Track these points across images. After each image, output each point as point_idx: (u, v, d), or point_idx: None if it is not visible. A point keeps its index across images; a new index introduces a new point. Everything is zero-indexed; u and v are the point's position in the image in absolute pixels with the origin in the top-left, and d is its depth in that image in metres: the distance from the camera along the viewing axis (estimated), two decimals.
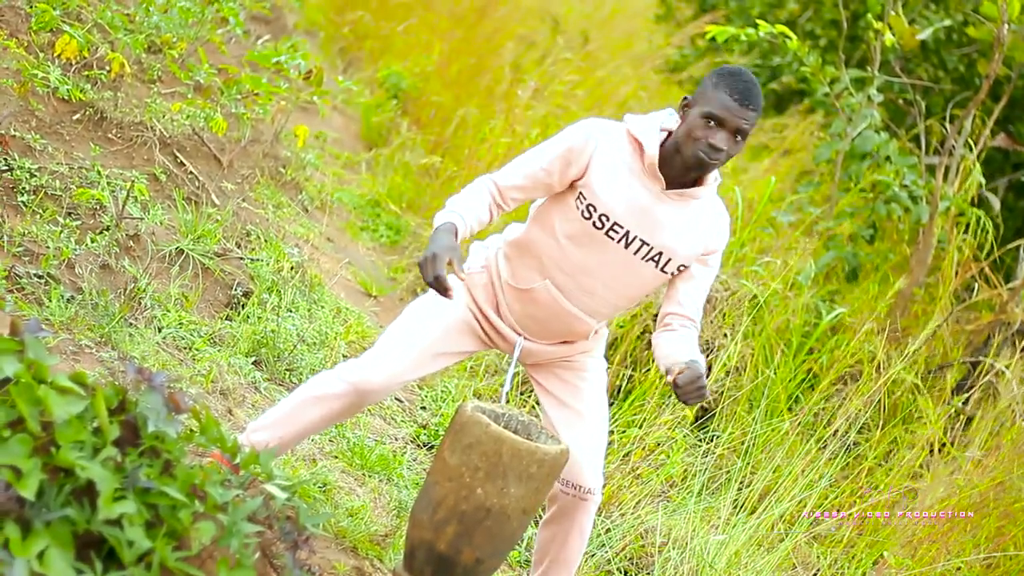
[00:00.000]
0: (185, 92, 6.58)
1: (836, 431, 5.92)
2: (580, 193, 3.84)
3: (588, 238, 3.86)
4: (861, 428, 5.99)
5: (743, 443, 5.81)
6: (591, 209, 3.83)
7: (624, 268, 3.89)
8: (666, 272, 3.92)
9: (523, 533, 3.82)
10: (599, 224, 3.84)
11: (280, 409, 3.94)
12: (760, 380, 6.19)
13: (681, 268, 3.95)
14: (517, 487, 3.55)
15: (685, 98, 3.80)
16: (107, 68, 6.00)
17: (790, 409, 6.14)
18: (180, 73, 6.51)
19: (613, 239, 3.85)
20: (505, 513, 3.56)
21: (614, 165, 3.82)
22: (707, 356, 6.25)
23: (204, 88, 6.73)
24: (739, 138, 3.73)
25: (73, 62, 5.88)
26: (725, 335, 6.33)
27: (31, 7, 5.94)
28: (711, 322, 6.38)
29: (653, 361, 5.93)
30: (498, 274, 4.03)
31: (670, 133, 3.85)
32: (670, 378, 3.72)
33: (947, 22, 8.89)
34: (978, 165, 7.29)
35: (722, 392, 6.14)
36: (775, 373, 6.19)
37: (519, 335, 4.01)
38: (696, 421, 6.05)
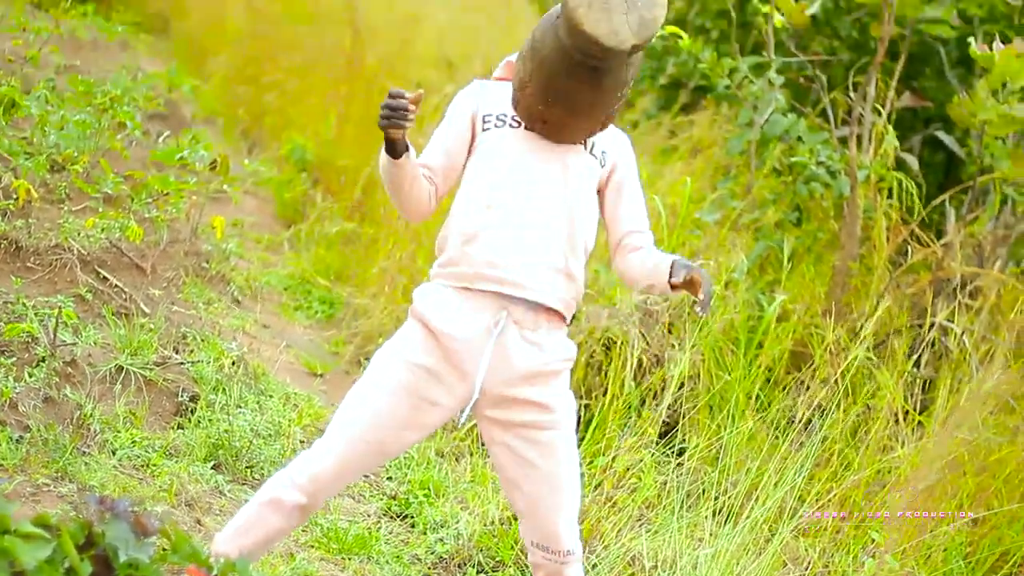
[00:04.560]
0: (96, 205, 6.54)
1: (800, 420, 5.93)
2: None
3: None
4: (824, 413, 6.00)
5: (711, 451, 5.81)
6: None
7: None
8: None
9: None
10: None
11: (240, 519, 3.75)
12: (716, 385, 6.20)
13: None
14: None
15: None
16: (14, 196, 5.96)
17: (756, 409, 6.14)
18: (87, 187, 6.48)
19: None
20: None
21: None
22: (657, 369, 6.25)
23: (114, 198, 6.70)
24: None
25: None
26: (672, 345, 6.33)
27: None
28: (656, 336, 6.37)
29: (615, 348, 5.93)
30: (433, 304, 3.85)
31: None
32: (676, 279, 3.75)
33: None
34: (889, 128, 7.31)
35: (681, 403, 6.14)
36: (729, 375, 6.20)
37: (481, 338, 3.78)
38: (661, 437, 6.04)
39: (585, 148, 3.94)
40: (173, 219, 6.91)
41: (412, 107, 3.62)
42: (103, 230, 6.20)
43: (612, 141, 4.05)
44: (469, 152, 3.98)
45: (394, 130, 3.63)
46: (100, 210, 6.44)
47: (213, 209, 7.66)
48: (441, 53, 12.55)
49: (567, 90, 3.70)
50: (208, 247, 7.11)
